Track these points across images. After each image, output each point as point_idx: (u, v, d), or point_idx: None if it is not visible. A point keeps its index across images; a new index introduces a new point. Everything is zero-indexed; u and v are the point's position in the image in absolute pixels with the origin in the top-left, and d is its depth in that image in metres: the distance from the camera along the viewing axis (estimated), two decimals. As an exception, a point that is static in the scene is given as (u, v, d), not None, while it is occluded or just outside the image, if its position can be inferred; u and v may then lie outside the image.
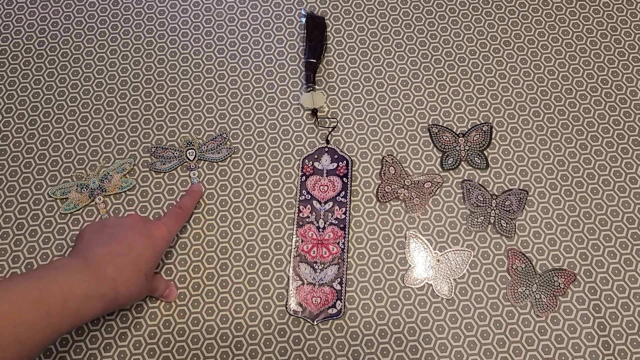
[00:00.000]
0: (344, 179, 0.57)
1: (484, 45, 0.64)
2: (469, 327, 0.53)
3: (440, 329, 0.53)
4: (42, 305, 0.40)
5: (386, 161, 0.58)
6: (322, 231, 0.56)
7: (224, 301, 0.54)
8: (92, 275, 0.44)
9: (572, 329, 0.53)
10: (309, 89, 0.60)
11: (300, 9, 0.65)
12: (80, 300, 0.42)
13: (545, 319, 0.53)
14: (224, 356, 0.52)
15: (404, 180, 0.58)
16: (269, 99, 0.61)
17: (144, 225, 0.50)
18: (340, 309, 0.53)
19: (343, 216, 0.56)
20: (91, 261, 0.45)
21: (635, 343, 0.53)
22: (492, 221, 0.56)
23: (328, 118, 0.60)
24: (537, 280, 0.54)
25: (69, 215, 0.57)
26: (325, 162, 0.58)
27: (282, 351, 0.52)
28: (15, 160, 0.59)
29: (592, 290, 0.54)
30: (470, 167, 0.59)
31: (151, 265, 0.48)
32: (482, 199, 0.57)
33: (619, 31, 0.64)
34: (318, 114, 0.60)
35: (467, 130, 0.60)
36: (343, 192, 0.57)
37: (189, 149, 0.59)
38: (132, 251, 0.47)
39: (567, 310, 0.54)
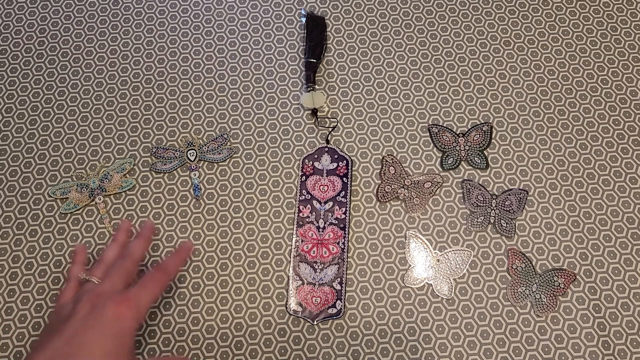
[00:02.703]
0: (344, 178, 0.57)
1: (484, 45, 0.64)
2: (469, 327, 0.53)
3: (440, 329, 0.53)
4: None
5: (386, 161, 0.58)
6: (322, 231, 0.56)
7: (224, 301, 0.54)
8: None
9: (572, 328, 0.53)
10: (309, 89, 0.60)
11: (300, 9, 0.65)
12: None
13: (545, 318, 0.53)
14: (224, 356, 0.52)
15: (404, 180, 0.58)
16: (269, 99, 0.61)
17: (103, 307, 0.42)
18: (340, 308, 0.53)
19: (343, 216, 0.56)
20: None
21: (635, 343, 0.53)
22: (492, 221, 0.56)
23: (328, 118, 0.60)
24: (537, 280, 0.54)
25: (69, 215, 0.57)
26: (325, 162, 0.58)
27: (282, 351, 0.52)
28: (15, 160, 0.59)
29: (592, 290, 0.54)
30: (470, 167, 0.59)
31: (114, 356, 0.41)
32: (482, 199, 0.57)
33: (619, 31, 0.64)
34: (318, 114, 0.60)
35: (467, 130, 0.60)
36: (343, 192, 0.57)
37: (189, 150, 0.59)
38: (81, 348, 0.40)
39: (567, 310, 0.54)
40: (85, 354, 0.39)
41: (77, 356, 0.39)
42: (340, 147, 0.59)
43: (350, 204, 0.57)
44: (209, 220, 0.57)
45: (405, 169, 0.58)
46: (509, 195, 0.57)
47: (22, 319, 0.53)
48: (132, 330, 0.42)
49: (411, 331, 0.53)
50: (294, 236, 0.56)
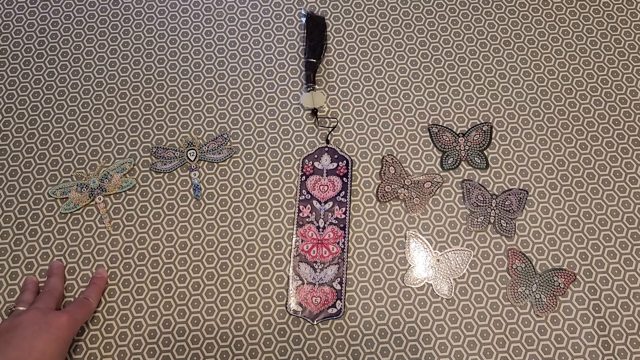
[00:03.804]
0: (344, 178, 0.57)
1: (484, 45, 0.64)
2: (469, 327, 0.53)
3: (440, 329, 0.53)
4: None
5: (386, 161, 0.58)
6: (322, 231, 0.56)
7: (224, 301, 0.54)
8: None
9: (572, 328, 0.53)
10: (309, 89, 0.60)
11: (301, 9, 0.65)
12: None
13: (545, 318, 0.53)
14: (224, 356, 0.52)
15: (404, 180, 0.58)
16: (269, 99, 0.61)
17: (44, 319, 0.47)
18: (340, 308, 0.53)
19: (343, 216, 0.56)
20: None
21: (635, 343, 0.53)
22: (492, 221, 0.56)
23: (328, 118, 0.60)
24: (537, 280, 0.54)
25: (69, 215, 0.57)
26: (325, 162, 0.58)
27: (282, 351, 0.52)
28: (15, 159, 0.59)
29: (592, 290, 0.54)
30: (470, 167, 0.59)
31: (52, 358, 0.46)
32: (482, 199, 0.57)
33: (619, 31, 0.64)
34: (318, 113, 0.60)
35: (467, 130, 0.60)
36: (343, 192, 0.57)
37: (189, 150, 0.59)
38: (32, 352, 0.44)
39: (567, 310, 0.54)
40: (39, 354, 0.44)
41: (30, 357, 0.44)
42: (340, 147, 0.59)
43: (350, 204, 0.57)
44: (209, 220, 0.57)
45: (405, 169, 0.58)
46: (509, 195, 0.57)
47: (22, 318, 0.53)
48: (69, 336, 0.48)
49: (411, 331, 0.53)
50: (294, 236, 0.56)
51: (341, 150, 0.59)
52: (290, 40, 0.64)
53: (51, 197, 0.57)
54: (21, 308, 0.50)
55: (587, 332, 0.53)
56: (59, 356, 0.46)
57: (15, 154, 0.59)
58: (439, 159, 0.59)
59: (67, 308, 0.50)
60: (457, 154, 0.59)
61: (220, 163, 0.59)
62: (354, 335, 0.53)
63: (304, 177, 0.58)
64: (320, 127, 0.60)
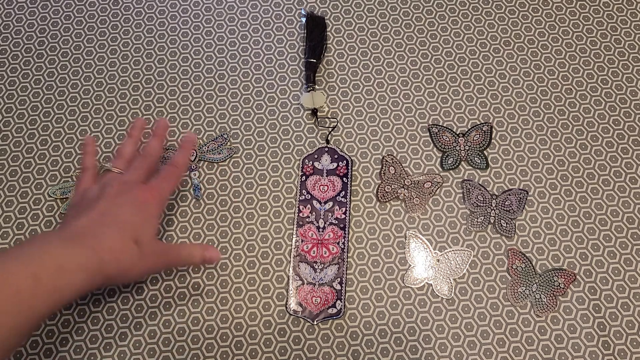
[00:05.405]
0: (344, 178, 0.57)
1: (484, 45, 0.64)
2: (469, 327, 0.53)
3: (440, 329, 0.53)
4: (7, 284, 0.36)
5: (386, 161, 0.58)
6: (322, 231, 0.56)
7: (224, 301, 0.54)
8: (67, 247, 0.40)
9: (572, 329, 0.53)
10: (309, 89, 0.60)
11: (300, 9, 0.65)
12: (55, 275, 0.38)
13: (545, 318, 0.53)
14: (224, 356, 0.52)
15: (404, 180, 0.58)
16: (269, 99, 0.61)
17: (130, 191, 0.45)
18: (340, 308, 0.53)
19: (343, 216, 0.56)
20: (67, 232, 0.42)
21: (635, 343, 0.53)
22: (492, 221, 0.56)
23: (328, 118, 0.60)
24: (537, 280, 0.54)
25: (69, 215, 0.57)
26: (325, 162, 0.58)
27: (282, 351, 0.52)
28: (15, 159, 0.59)
29: (592, 290, 0.54)
30: (470, 167, 0.59)
31: (142, 230, 0.44)
32: (482, 199, 0.57)
33: (619, 31, 0.64)
34: (318, 114, 0.60)
35: (467, 130, 0.60)
36: (343, 192, 0.57)
37: (189, 149, 0.59)
38: (116, 218, 0.43)
39: (567, 310, 0.54)
40: (120, 227, 0.43)
41: (111, 227, 0.42)
42: (340, 147, 0.59)
43: (350, 204, 0.57)
44: (209, 220, 0.57)
45: (405, 169, 0.58)
46: (509, 195, 0.57)
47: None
48: (157, 211, 0.46)
49: (411, 331, 0.53)
50: (294, 236, 0.56)
51: (341, 151, 0.59)
52: (290, 40, 0.64)
53: (51, 197, 0.57)
54: (116, 170, 0.48)
55: (587, 332, 0.53)
56: (144, 227, 0.45)
57: (15, 154, 0.59)
58: (439, 159, 0.59)
59: (153, 182, 0.48)
60: (457, 154, 0.59)
61: (220, 163, 0.59)
62: (354, 335, 0.53)
63: (304, 177, 0.58)
64: (320, 127, 0.60)
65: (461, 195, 0.58)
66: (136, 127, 0.54)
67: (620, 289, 0.54)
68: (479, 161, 0.59)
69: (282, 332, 0.53)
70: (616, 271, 0.55)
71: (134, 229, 0.44)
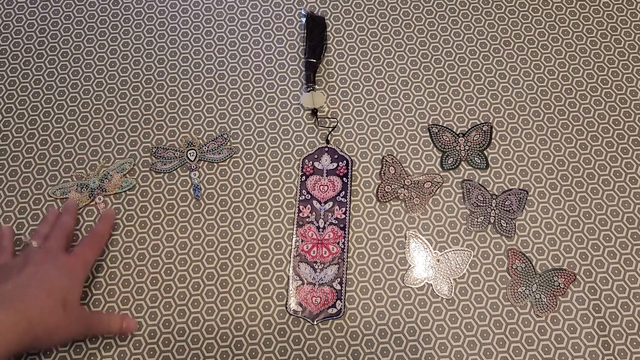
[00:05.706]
0: (344, 178, 0.57)
1: (484, 45, 0.64)
2: (469, 327, 0.53)
3: (440, 329, 0.53)
4: None
5: (386, 161, 0.58)
6: (322, 231, 0.56)
7: (224, 301, 0.54)
8: None
9: (572, 329, 0.53)
10: (309, 89, 0.60)
11: (301, 9, 0.65)
12: None
13: (545, 318, 0.53)
14: (224, 356, 0.52)
15: (404, 180, 0.58)
16: (269, 99, 0.61)
17: (55, 258, 0.47)
18: (340, 308, 0.53)
19: (343, 216, 0.56)
20: None
21: (635, 343, 0.53)
22: (492, 221, 0.56)
23: (328, 118, 0.60)
24: (537, 280, 0.54)
25: (69, 215, 0.57)
26: (325, 162, 0.58)
27: (282, 351, 0.52)
28: (15, 159, 0.59)
29: (592, 290, 0.54)
30: (470, 167, 0.59)
31: (69, 294, 0.46)
32: (482, 199, 0.57)
33: (619, 31, 0.64)
34: (318, 114, 0.60)
35: (467, 130, 0.60)
36: (343, 192, 0.57)
37: (189, 150, 0.59)
38: (42, 282, 0.45)
39: (567, 310, 0.54)
40: (47, 289, 0.44)
41: (39, 289, 0.44)
42: (340, 147, 0.59)
43: (350, 204, 0.57)
44: (209, 220, 0.57)
45: (405, 169, 0.58)
46: (509, 195, 0.57)
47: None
48: (81, 275, 0.48)
49: (411, 331, 0.53)
50: (294, 236, 0.56)
51: (341, 151, 0.59)
52: (290, 40, 0.64)
53: (51, 197, 0.57)
54: (34, 244, 0.50)
55: (587, 332, 0.53)
56: (70, 290, 0.46)
57: (15, 154, 0.59)
58: (439, 159, 0.59)
59: (76, 249, 0.50)
60: (457, 154, 0.59)
61: (220, 163, 0.59)
62: (354, 336, 0.53)
63: (304, 177, 0.58)
64: (320, 127, 0.60)
65: (461, 195, 0.58)
66: (51, 212, 0.55)
67: (620, 289, 0.54)
68: (479, 161, 0.59)
69: (282, 332, 0.53)
70: (616, 271, 0.55)
71: (62, 292, 0.45)
